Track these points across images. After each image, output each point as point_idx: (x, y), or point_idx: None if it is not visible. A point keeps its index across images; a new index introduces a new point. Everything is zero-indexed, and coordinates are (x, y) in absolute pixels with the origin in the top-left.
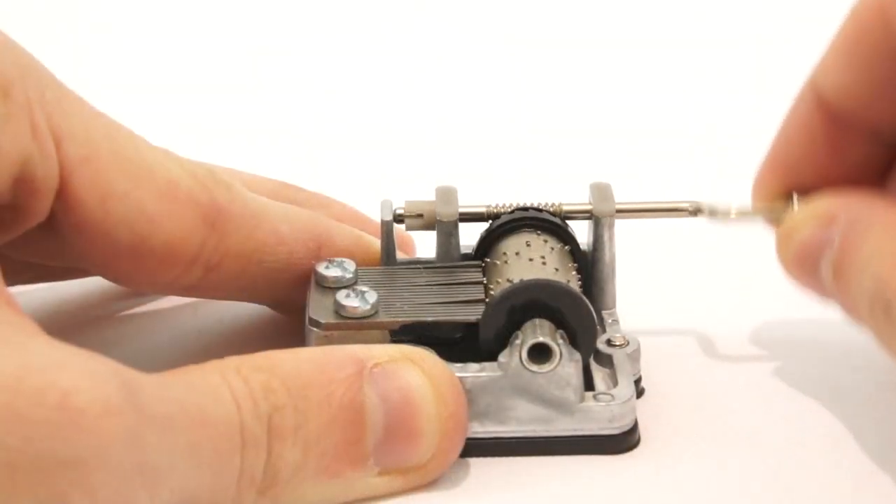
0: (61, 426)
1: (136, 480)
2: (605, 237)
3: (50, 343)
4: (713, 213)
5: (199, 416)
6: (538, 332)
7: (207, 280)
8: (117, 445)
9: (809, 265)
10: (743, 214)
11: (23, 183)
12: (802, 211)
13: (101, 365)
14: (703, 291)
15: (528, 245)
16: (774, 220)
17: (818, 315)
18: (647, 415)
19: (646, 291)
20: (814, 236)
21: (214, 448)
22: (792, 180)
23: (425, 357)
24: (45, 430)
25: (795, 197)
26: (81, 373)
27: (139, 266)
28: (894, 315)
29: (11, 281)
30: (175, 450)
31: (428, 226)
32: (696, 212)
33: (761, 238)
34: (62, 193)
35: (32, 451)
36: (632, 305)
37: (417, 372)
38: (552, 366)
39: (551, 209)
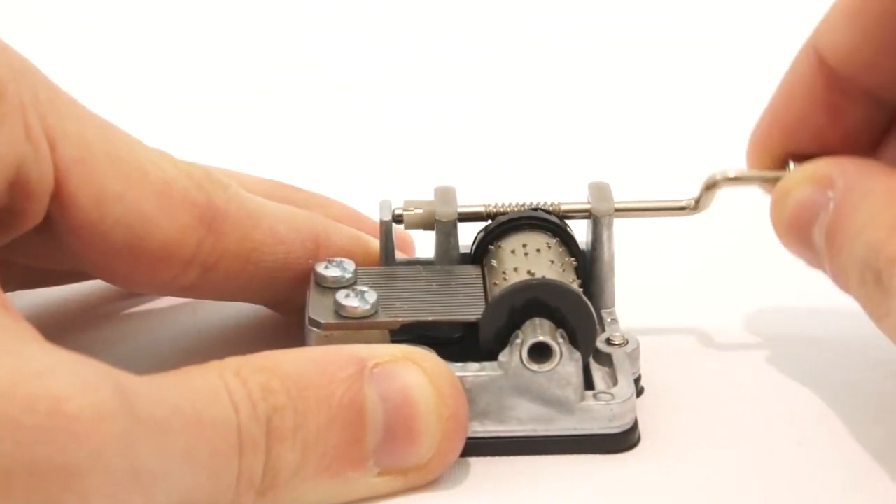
0: (54, 432)
1: (131, 485)
2: (604, 236)
3: (44, 348)
4: (710, 183)
5: (195, 419)
6: (538, 331)
7: (205, 280)
8: (111, 450)
9: (802, 228)
10: (739, 179)
11: (17, 185)
12: (799, 172)
13: (95, 370)
14: (703, 290)
15: (549, 247)
16: (769, 184)
17: (818, 314)
18: (646, 414)
19: (645, 290)
20: (809, 198)
21: (211, 451)
22: (788, 142)
23: (426, 357)
24: (39, 436)
25: (792, 164)
26: (74, 379)
27: (136, 267)
28: (884, 285)
29: (9, 287)
30: (170, 453)
31: (427, 226)
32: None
33: (761, 237)
34: (57, 195)
35: (26, 457)
36: (631, 304)
37: (418, 372)
38: (552, 365)
39: (549, 208)
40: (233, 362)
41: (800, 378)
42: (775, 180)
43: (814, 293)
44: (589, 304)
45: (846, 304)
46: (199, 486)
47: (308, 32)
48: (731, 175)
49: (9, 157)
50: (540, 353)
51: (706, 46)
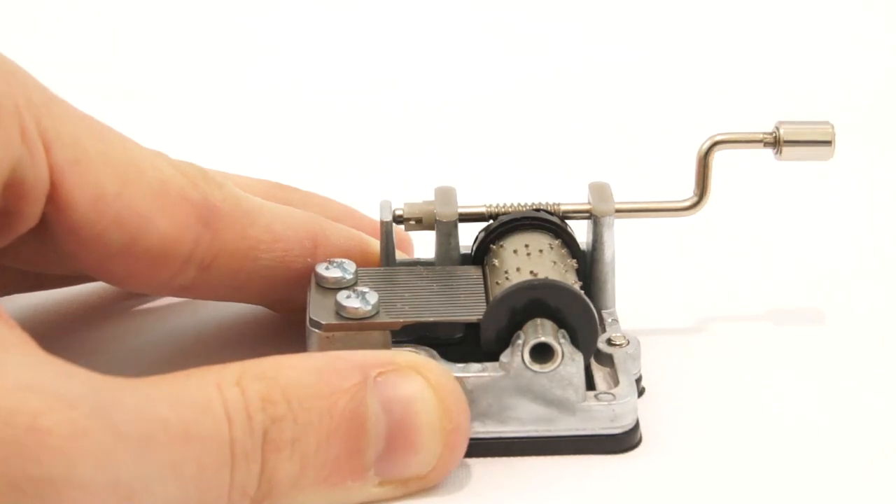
0: (30, 447)
1: (110, 498)
2: (605, 237)
3: (28, 360)
4: (702, 152)
5: (182, 432)
6: (540, 331)
7: (202, 279)
8: (87, 465)
9: None
10: (727, 142)
11: (13, 188)
12: None
13: (75, 385)
14: (703, 290)
15: (552, 248)
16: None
17: (818, 314)
18: (647, 414)
19: (645, 290)
20: None
21: (199, 464)
22: None
23: (431, 367)
24: (15, 450)
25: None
26: (51, 394)
27: (133, 266)
28: None
29: (6, 291)
30: (154, 467)
31: (427, 226)
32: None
33: (760, 237)
34: (53, 197)
35: (3, 471)
36: (631, 304)
37: (422, 382)
38: (554, 365)
39: (550, 208)
40: (234, 369)
41: (800, 377)
42: (761, 141)
43: (814, 293)
44: (590, 304)
45: (846, 304)
46: (186, 498)
47: (308, 32)
48: (719, 138)
49: (3, 160)
50: (541, 353)
51: (705, 46)
